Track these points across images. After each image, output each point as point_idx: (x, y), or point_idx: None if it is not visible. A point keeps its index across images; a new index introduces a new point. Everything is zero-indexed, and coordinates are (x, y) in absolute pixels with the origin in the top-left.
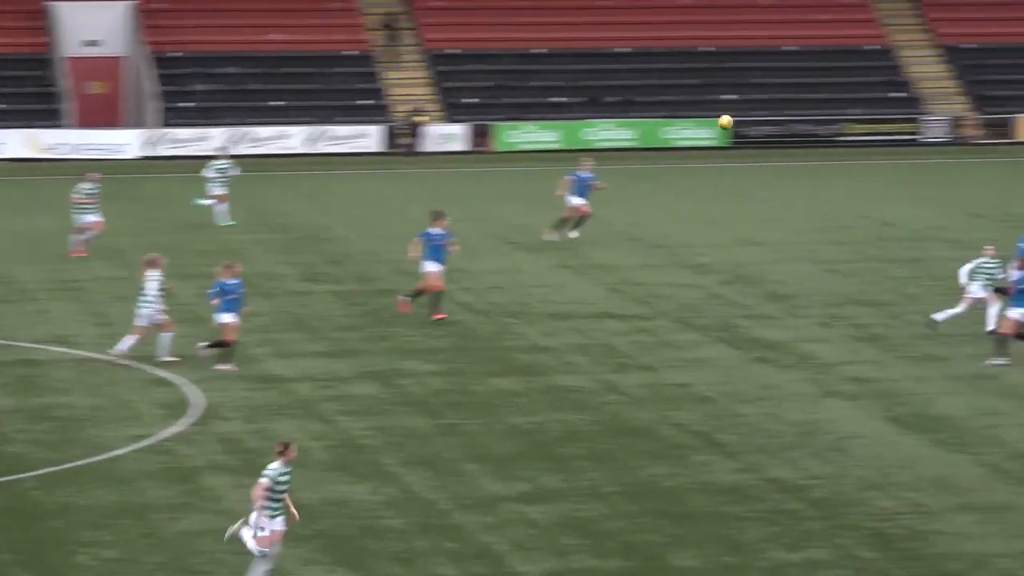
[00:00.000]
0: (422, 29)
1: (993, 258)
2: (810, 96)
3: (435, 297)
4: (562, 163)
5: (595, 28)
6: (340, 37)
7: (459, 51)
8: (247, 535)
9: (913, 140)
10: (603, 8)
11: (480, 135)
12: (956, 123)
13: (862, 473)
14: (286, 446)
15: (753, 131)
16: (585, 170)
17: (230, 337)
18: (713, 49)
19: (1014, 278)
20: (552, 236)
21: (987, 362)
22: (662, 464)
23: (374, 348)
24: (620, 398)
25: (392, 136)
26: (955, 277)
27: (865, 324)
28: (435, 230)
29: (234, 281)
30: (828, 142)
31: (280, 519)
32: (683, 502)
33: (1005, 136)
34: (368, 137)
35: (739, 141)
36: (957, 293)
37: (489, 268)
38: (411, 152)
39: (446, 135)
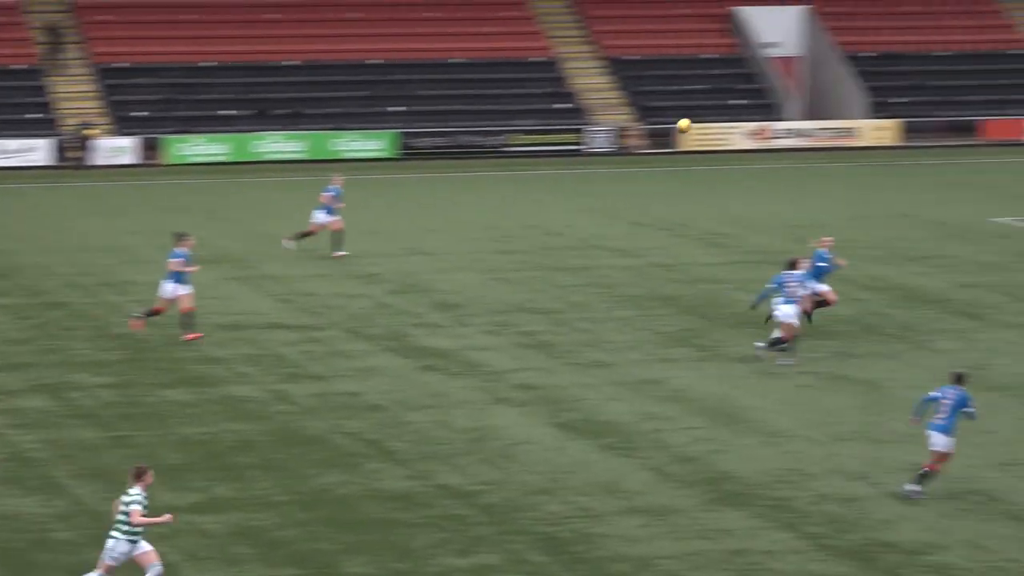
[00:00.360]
0: (90, 43)
1: (806, 269)
2: (476, 108)
3: (185, 317)
4: (231, 175)
5: (263, 41)
6: (7, 51)
7: (128, 64)
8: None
9: (578, 150)
10: (271, 21)
11: (150, 148)
12: (620, 133)
13: (531, 478)
14: (144, 470)
15: (420, 142)
16: (336, 184)
17: None
18: (381, 62)
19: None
20: (290, 244)
21: (777, 362)
22: (334, 472)
23: (44, 361)
24: (292, 408)
25: (61, 149)
26: (620, 285)
27: (532, 332)
28: (179, 250)
29: None
30: (495, 153)
31: (137, 542)
32: (355, 510)
33: (667, 146)
34: (36, 151)
35: (407, 152)
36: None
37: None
38: (81, 166)
39: (116, 148)
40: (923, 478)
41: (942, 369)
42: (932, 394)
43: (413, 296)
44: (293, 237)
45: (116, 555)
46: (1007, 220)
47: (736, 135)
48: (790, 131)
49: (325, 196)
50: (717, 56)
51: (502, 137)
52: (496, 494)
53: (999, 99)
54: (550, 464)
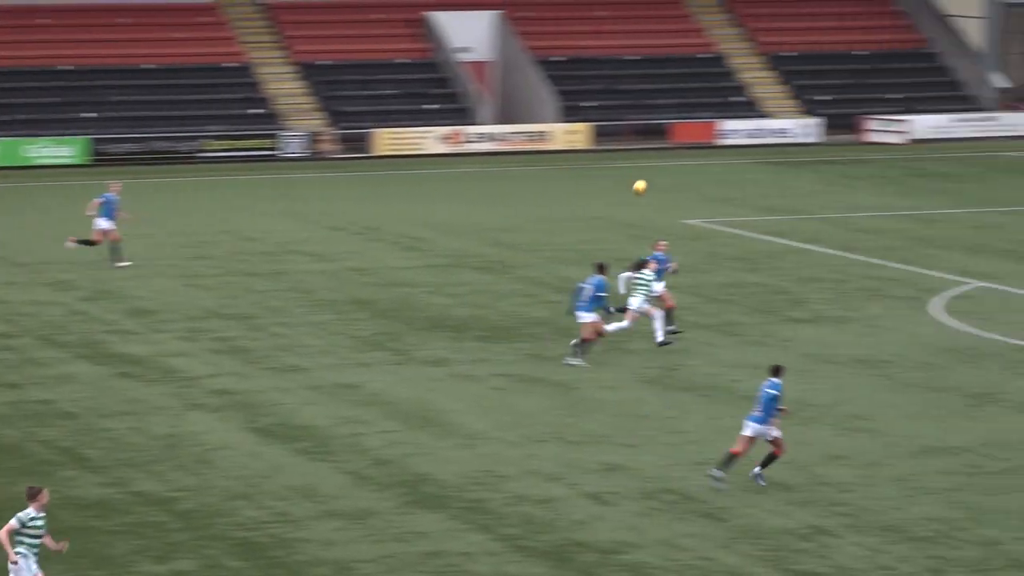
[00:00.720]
0: None
1: (652, 270)
2: (170, 113)
3: None
4: None
5: None
6: None
7: None
8: None
9: (273, 155)
10: None
11: None
12: (314, 138)
13: (228, 484)
14: (38, 491)
15: (114, 148)
16: (113, 192)
17: None
18: (72, 68)
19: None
20: (71, 245)
21: (564, 360)
22: (28, 480)
23: None
24: None
25: None
26: (316, 289)
27: (228, 337)
28: None
29: None
30: (189, 158)
31: (34, 560)
32: (50, 518)
33: (362, 150)
34: None
35: (100, 158)
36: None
37: None
38: None
39: None
40: (729, 461)
41: (635, 370)
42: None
43: (107, 303)
44: (76, 240)
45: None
46: (698, 222)
47: (429, 139)
48: (483, 135)
49: (97, 203)
50: (410, 61)
51: (196, 143)
52: (193, 500)
53: (688, 103)
54: (247, 469)
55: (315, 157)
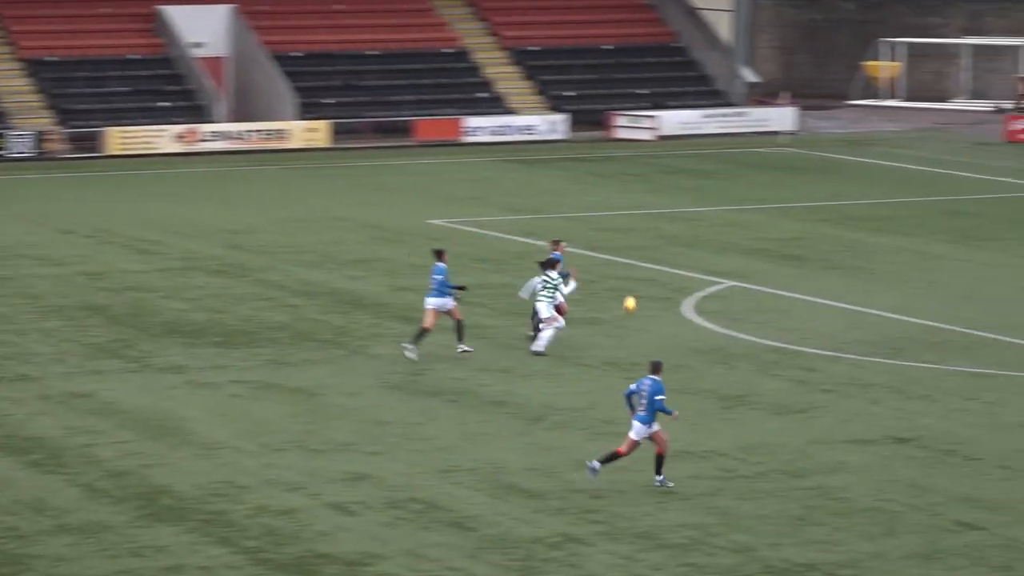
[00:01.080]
0: None
1: (560, 273)
2: None
3: None
4: None
5: None
6: None
7: None
8: None
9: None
10: None
11: None
12: (41, 138)
13: None
14: None
15: None
16: None
17: None
18: None
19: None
20: None
21: (404, 349)
22: None
23: None
24: None
25: None
26: (45, 295)
27: None
28: None
29: None
30: None
31: None
32: None
33: (93, 150)
34: None
35: None
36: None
37: None
38: None
39: None
40: (610, 458)
41: (379, 375)
42: (631, 387)
43: None
44: None
45: None
46: (442, 222)
47: (163, 138)
48: (218, 134)
49: None
50: (142, 57)
51: None
52: None
53: (431, 99)
54: None
55: (42, 157)
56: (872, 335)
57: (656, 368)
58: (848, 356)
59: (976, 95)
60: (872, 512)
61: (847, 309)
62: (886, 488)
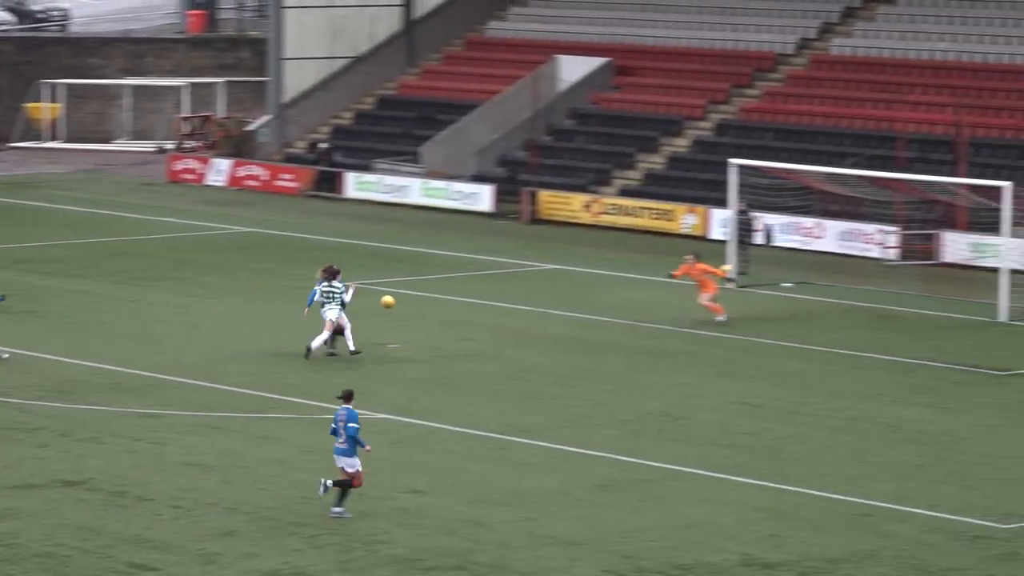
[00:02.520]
0: None
1: (341, 281)
2: None
3: None
4: None
5: None
6: None
7: None
8: None
9: None
10: None
11: None
12: None
13: None
14: None
15: None
16: None
17: None
18: None
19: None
20: None
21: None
22: None
23: None
24: None
25: None
26: None
27: None
28: None
29: None
30: None
31: None
32: None
33: None
34: None
35: None
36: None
37: None
38: None
39: None
40: (342, 496)
41: None
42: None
43: None
44: None
45: None
46: None
47: None
48: None
49: None
50: None
51: None
52: None
53: None
54: None
55: None
56: (39, 379)
57: (347, 397)
58: (14, 400)
59: (139, 135)
60: (43, 557)
61: (15, 354)
62: (57, 533)
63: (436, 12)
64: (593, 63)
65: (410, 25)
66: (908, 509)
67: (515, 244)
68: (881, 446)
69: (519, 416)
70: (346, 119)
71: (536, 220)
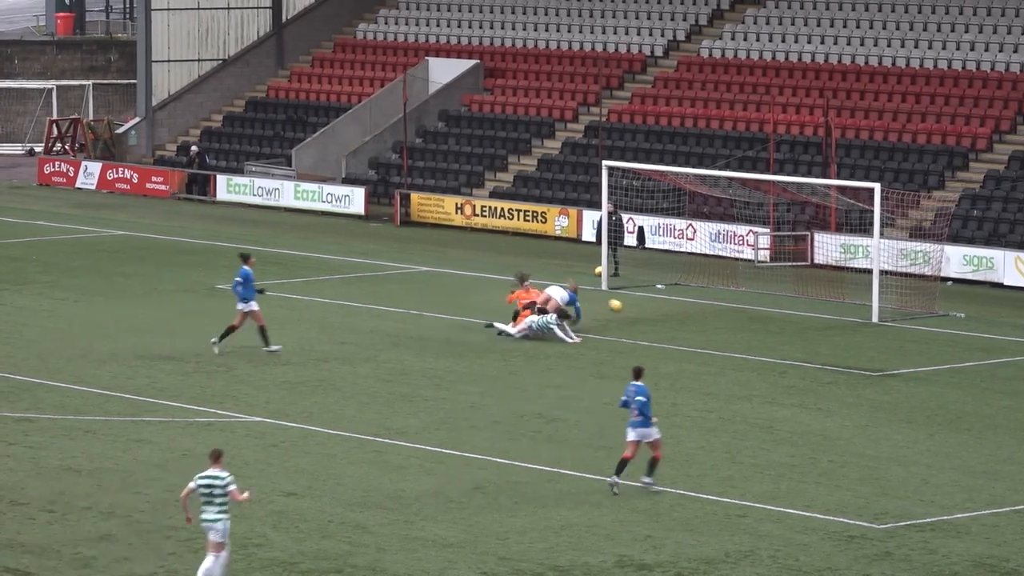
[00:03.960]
0: None
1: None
2: None
3: None
4: None
5: None
6: None
7: None
8: None
9: None
10: None
11: None
12: None
13: None
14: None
15: None
16: None
17: None
18: None
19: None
20: None
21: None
22: None
23: None
24: None
25: None
26: None
27: None
28: None
29: None
30: None
31: None
32: None
33: None
34: None
35: None
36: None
37: None
38: None
39: None
40: (653, 467)
41: None
42: (623, 398)
43: None
44: None
45: None
46: None
47: None
48: None
49: None
50: None
51: None
52: None
53: None
54: None
55: None
56: None
57: (639, 374)
58: None
59: (7, 138)
60: None
61: None
62: None
63: (305, 14)
64: (463, 65)
65: (279, 27)
66: (782, 509)
67: (388, 246)
68: (755, 447)
69: (395, 418)
70: (216, 121)
71: (408, 222)
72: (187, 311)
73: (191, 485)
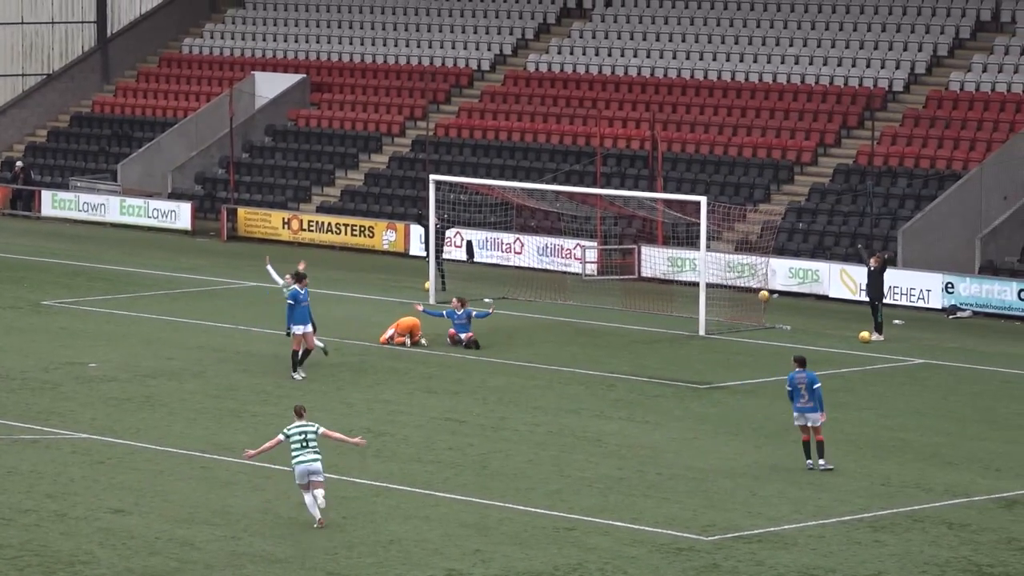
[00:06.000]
0: None
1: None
2: None
3: None
4: None
5: None
6: None
7: None
8: None
9: None
10: None
11: None
12: None
13: None
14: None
15: None
16: None
17: None
18: None
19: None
20: None
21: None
22: None
23: None
24: None
25: None
26: None
27: None
28: None
29: None
30: None
31: None
32: None
33: None
34: None
35: None
36: None
37: None
38: None
39: None
40: (821, 450)
41: None
42: (788, 387)
43: None
44: None
45: None
46: None
47: None
48: None
49: None
50: None
51: None
52: None
53: None
54: None
55: None
56: None
57: (803, 362)
58: None
59: None
60: None
61: None
62: None
63: (131, 29)
64: (290, 79)
65: (104, 42)
66: (611, 522)
67: (214, 262)
68: (583, 460)
69: (223, 434)
70: (41, 137)
71: (235, 237)
72: (12, 328)
73: (279, 437)
